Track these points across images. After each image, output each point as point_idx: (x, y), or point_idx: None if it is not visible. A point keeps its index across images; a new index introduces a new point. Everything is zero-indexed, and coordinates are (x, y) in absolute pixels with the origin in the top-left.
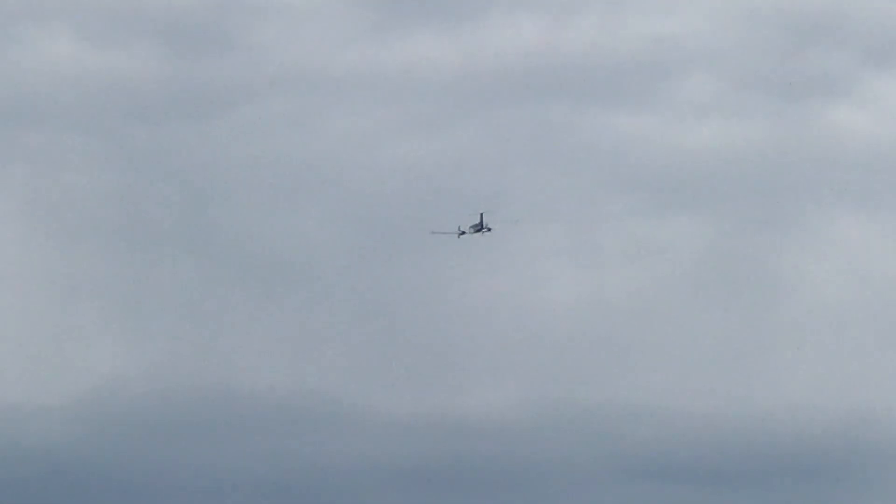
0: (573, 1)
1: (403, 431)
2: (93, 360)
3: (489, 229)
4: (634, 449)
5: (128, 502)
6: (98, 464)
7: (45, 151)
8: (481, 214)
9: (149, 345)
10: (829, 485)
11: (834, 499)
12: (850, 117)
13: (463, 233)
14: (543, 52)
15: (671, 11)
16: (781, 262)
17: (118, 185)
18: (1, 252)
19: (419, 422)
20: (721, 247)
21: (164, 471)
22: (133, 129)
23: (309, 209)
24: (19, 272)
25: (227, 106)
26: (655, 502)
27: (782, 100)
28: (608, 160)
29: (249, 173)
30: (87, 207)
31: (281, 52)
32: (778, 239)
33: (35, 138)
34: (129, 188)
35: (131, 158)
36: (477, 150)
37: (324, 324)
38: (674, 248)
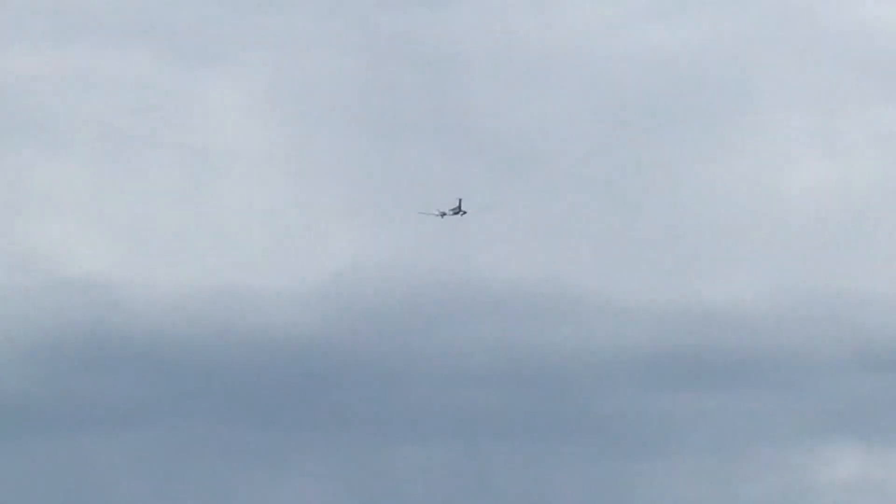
0: None
1: (644, 320)
2: (333, 246)
3: (465, 212)
4: (879, 340)
5: (364, 390)
6: (336, 351)
7: (288, 37)
8: (459, 200)
9: (389, 232)
10: None
11: None
12: None
13: (444, 214)
14: None
15: None
16: None
17: (362, 70)
18: (243, 138)
19: (660, 311)
20: None
21: (400, 359)
22: (377, 13)
23: (552, 96)
24: (261, 158)
25: None
26: None
27: None
28: (853, 45)
29: (493, 59)
30: (331, 93)
31: None
32: None
33: (277, 23)
34: (372, 74)
35: (375, 44)
36: (720, 37)
37: (566, 211)
38: None
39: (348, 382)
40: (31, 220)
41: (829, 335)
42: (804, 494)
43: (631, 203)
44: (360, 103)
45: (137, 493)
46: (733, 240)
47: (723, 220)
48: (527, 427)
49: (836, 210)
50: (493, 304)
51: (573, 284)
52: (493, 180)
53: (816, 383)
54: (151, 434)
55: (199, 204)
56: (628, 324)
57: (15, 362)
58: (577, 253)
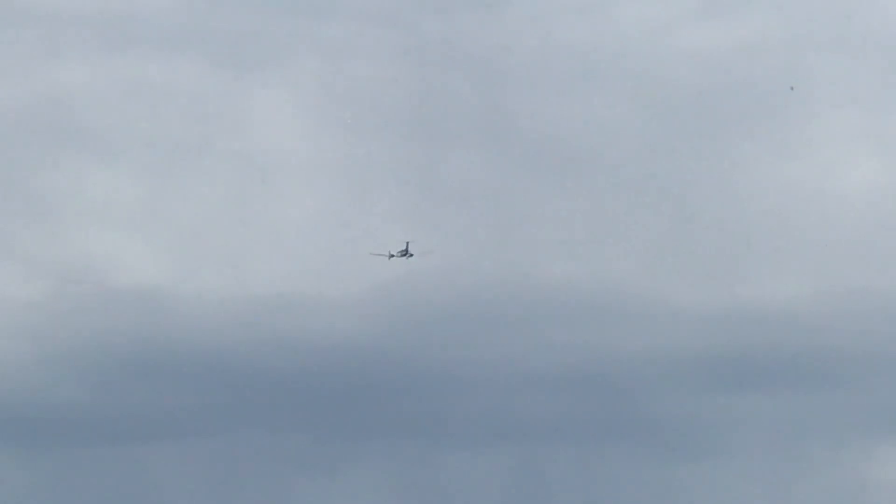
0: None
1: (695, 322)
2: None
3: (412, 255)
4: None
5: (417, 396)
6: (389, 357)
7: (337, 44)
8: (407, 243)
9: (442, 235)
10: None
11: None
12: None
13: (392, 255)
14: None
15: None
16: None
17: (410, 75)
18: (293, 145)
19: (711, 312)
20: None
21: (453, 365)
22: (424, 19)
23: (601, 97)
24: (311, 165)
25: None
26: None
27: None
28: None
29: (540, 63)
30: (380, 98)
31: None
32: None
33: (326, 30)
34: (420, 79)
35: (423, 49)
36: (769, 37)
37: (615, 213)
38: None
39: (402, 389)
40: (84, 230)
41: (881, 334)
42: (857, 494)
43: (680, 205)
44: (409, 109)
45: (192, 501)
46: (784, 240)
47: (773, 220)
48: (580, 430)
49: (888, 209)
50: (544, 309)
51: (624, 288)
52: (541, 183)
53: (868, 382)
54: (206, 443)
55: (250, 212)
56: (680, 326)
57: (69, 372)
58: (628, 256)
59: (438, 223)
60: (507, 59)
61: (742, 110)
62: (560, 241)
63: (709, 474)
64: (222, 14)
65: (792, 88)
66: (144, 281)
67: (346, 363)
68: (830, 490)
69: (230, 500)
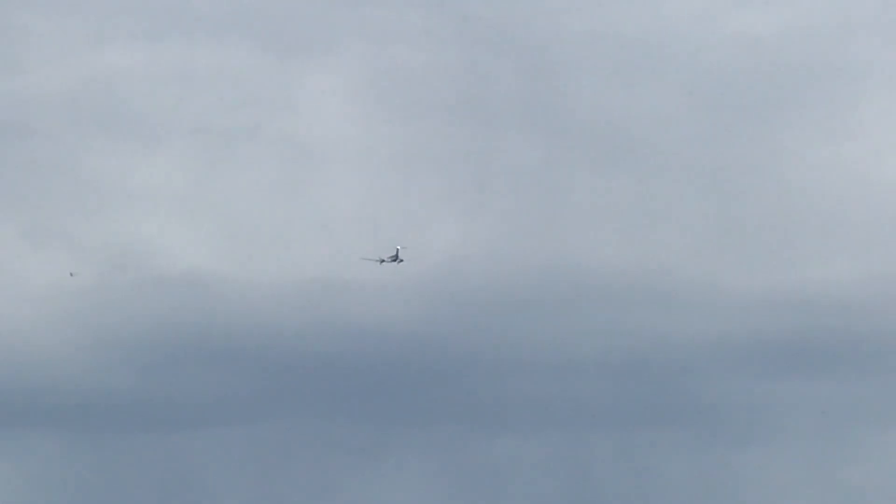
0: None
1: (746, 307)
2: (434, 237)
3: (402, 260)
4: None
5: (467, 381)
6: (439, 343)
7: (385, 28)
8: (397, 248)
9: (489, 222)
10: None
11: None
12: None
13: (383, 261)
14: None
15: None
16: None
17: (458, 61)
18: (341, 130)
19: (763, 297)
20: None
21: (503, 350)
22: (473, 4)
23: (649, 82)
24: (360, 150)
25: None
26: None
27: None
28: None
29: (590, 48)
30: (427, 84)
31: None
32: None
33: (374, 15)
34: (470, 64)
35: (471, 34)
36: (820, 23)
37: (664, 198)
38: None
39: (448, 374)
40: (131, 217)
41: None
42: None
43: (731, 190)
44: (458, 93)
45: (241, 488)
46: (836, 224)
47: (825, 205)
48: (628, 416)
49: None
50: (595, 294)
51: (674, 273)
52: (589, 168)
53: None
54: (252, 429)
55: (298, 197)
56: (729, 311)
57: (117, 359)
58: (679, 241)
59: (486, 208)
60: (555, 44)
61: (790, 94)
62: (608, 225)
63: (758, 459)
64: None
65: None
66: (192, 267)
67: (393, 349)
68: (881, 474)
69: (277, 486)
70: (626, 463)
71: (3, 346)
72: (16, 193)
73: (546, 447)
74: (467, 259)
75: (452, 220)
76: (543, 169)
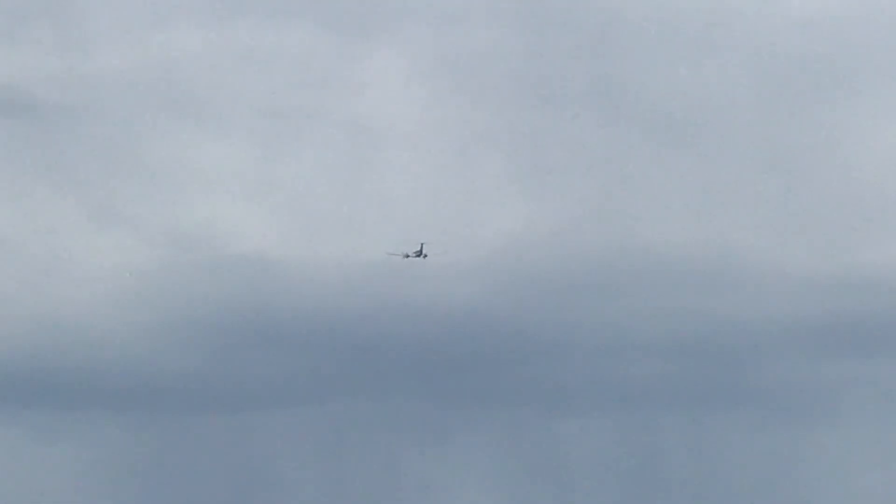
0: None
1: (811, 288)
2: (497, 218)
3: (426, 255)
4: None
5: (530, 362)
6: (502, 323)
7: (449, 9)
8: (421, 244)
9: (552, 202)
10: None
11: None
12: None
13: (407, 256)
14: None
15: None
16: None
17: (521, 41)
18: (405, 111)
19: (827, 278)
20: None
21: (566, 331)
22: None
23: (712, 63)
24: (423, 131)
25: None
26: None
27: None
28: None
29: (653, 28)
30: (491, 64)
31: None
32: None
33: None
34: (533, 44)
35: (534, 14)
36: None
37: (728, 179)
38: None
39: (513, 356)
40: (195, 199)
41: None
42: None
43: (792, 171)
44: (522, 73)
45: (305, 468)
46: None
47: (890, 185)
48: (692, 397)
49: None
50: (659, 274)
51: (737, 254)
52: (653, 150)
53: None
54: (317, 411)
55: (363, 178)
56: (792, 293)
57: (180, 341)
58: (740, 222)
59: (549, 189)
60: (618, 23)
61: (856, 74)
62: (672, 207)
63: (821, 441)
64: None
65: None
66: (256, 249)
67: (458, 331)
68: None
69: (341, 466)
70: (689, 444)
71: (69, 328)
72: (81, 175)
73: (609, 429)
74: (531, 240)
75: (515, 200)
76: (607, 150)
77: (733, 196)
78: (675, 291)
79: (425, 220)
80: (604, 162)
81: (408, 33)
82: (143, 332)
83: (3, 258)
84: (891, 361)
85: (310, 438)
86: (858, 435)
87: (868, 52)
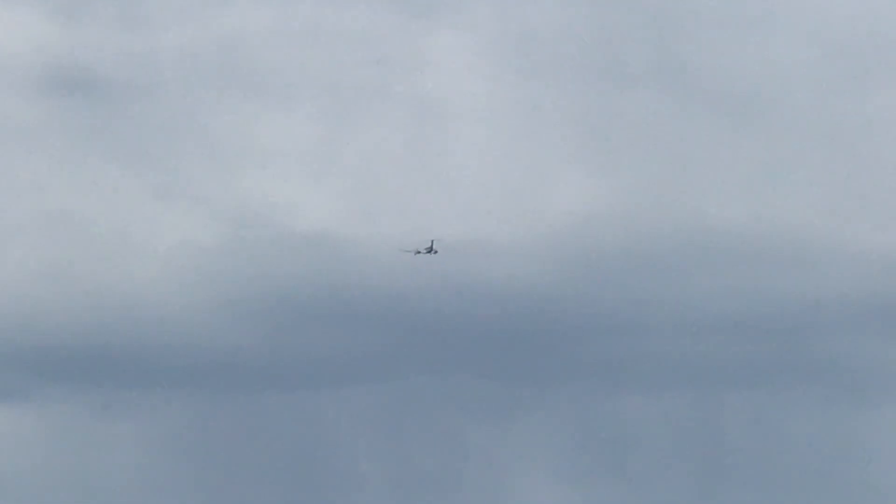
0: None
1: (873, 266)
2: (562, 197)
3: (436, 252)
4: None
5: (593, 340)
6: (566, 301)
7: None
8: (431, 241)
9: (616, 181)
10: None
11: None
12: None
13: (419, 252)
14: None
15: None
16: None
17: (587, 17)
18: (470, 89)
19: (890, 256)
20: None
21: (630, 309)
22: None
23: (777, 42)
24: (488, 109)
25: None
26: None
27: None
28: None
29: (717, 6)
30: (556, 41)
31: None
32: None
33: None
34: (597, 22)
35: None
36: None
37: (793, 156)
38: None
39: (577, 334)
40: (259, 176)
41: None
42: None
43: (858, 148)
44: (587, 51)
45: (370, 446)
46: None
47: None
48: (758, 376)
49: None
50: (722, 252)
51: (802, 231)
52: (718, 127)
53: None
54: (381, 389)
55: (426, 156)
56: (858, 269)
57: (243, 318)
58: (806, 200)
59: (614, 166)
60: (685, 2)
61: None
62: (738, 184)
63: (887, 419)
64: None
65: None
66: (320, 226)
67: (521, 308)
68: None
69: (406, 444)
70: (753, 421)
71: (133, 306)
72: (144, 152)
73: (674, 406)
74: (595, 217)
75: (581, 178)
76: (672, 126)
77: (800, 173)
78: (741, 269)
79: (491, 199)
80: (670, 139)
81: (472, 10)
82: (206, 310)
83: (68, 236)
84: None
85: (375, 416)
86: None
87: None
